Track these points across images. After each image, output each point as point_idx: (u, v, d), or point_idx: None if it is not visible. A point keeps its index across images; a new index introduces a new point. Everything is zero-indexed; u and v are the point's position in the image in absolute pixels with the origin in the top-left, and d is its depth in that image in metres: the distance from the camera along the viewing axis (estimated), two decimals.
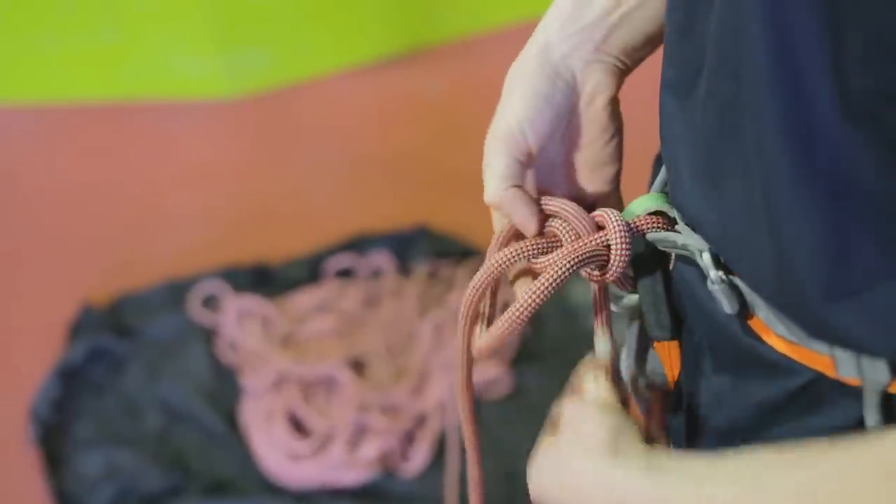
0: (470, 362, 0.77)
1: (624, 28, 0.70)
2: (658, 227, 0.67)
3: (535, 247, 0.68)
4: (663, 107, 0.65)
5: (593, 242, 0.67)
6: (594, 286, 0.72)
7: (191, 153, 2.64)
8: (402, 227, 2.27)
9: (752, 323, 0.61)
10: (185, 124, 2.70)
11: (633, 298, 0.74)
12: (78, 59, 2.73)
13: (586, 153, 0.73)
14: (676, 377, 0.71)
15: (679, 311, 0.69)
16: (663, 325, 0.70)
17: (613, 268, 0.67)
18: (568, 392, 0.70)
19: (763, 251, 0.55)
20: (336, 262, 2.22)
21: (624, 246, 0.66)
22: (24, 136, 2.73)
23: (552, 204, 0.69)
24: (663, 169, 0.70)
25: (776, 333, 0.60)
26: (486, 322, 0.71)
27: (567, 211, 0.68)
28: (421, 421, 1.93)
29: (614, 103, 0.72)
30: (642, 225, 0.67)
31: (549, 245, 0.68)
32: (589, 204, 0.72)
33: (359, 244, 2.25)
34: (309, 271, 2.22)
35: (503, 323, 0.69)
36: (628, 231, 0.67)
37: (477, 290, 0.70)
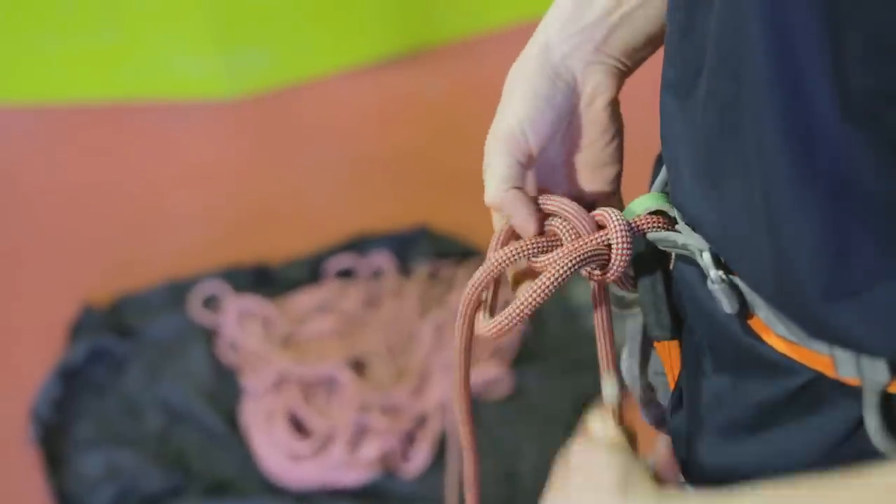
0: (468, 362, 0.77)
1: (624, 28, 0.70)
2: (658, 227, 0.67)
3: (535, 245, 0.68)
4: (664, 107, 0.65)
5: (594, 242, 0.67)
6: (594, 287, 0.72)
7: (191, 153, 2.64)
8: (403, 227, 2.27)
9: (752, 323, 0.61)
10: (185, 124, 2.70)
11: (633, 298, 0.74)
12: (78, 59, 2.73)
13: (587, 154, 0.73)
14: (676, 377, 0.71)
15: (679, 310, 0.69)
16: (663, 325, 0.70)
17: (615, 267, 0.67)
18: (576, 435, 0.70)
19: (763, 251, 0.55)
20: (336, 262, 2.22)
21: (625, 245, 0.66)
22: (24, 136, 2.73)
23: (552, 203, 0.69)
24: (664, 169, 0.70)
25: (776, 333, 0.60)
26: (488, 311, 0.71)
27: (567, 210, 0.68)
28: (421, 421, 1.93)
29: (615, 104, 0.72)
30: (643, 224, 0.67)
31: (550, 244, 0.68)
32: (589, 204, 0.72)
33: (359, 244, 2.25)
34: (309, 271, 2.22)
35: (502, 318, 0.69)
36: (629, 230, 0.67)
37: (476, 289, 0.70)
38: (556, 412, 1.92)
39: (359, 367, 2.03)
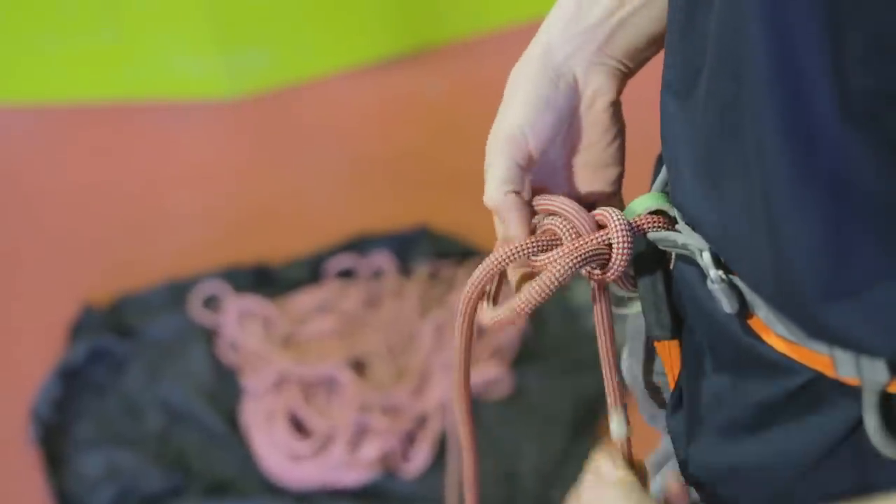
0: (468, 360, 0.77)
1: (626, 30, 0.70)
2: (659, 227, 0.67)
3: (535, 245, 0.68)
4: (664, 107, 0.64)
5: (595, 241, 0.67)
6: (594, 287, 0.72)
7: (191, 153, 2.64)
8: (403, 227, 2.27)
9: (752, 322, 0.61)
10: (185, 124, 2.70)
11: (633, 298, 0.74)
12: (78, 59, 2.73)
13: (588, 155, 0.73)
14: (676, 377, 0.71)
15: (679, 310, 0.69)
16: (664, 325, 0.70)
17: (615, 266, 0.67)
18: (586, 473, 0.70)
19: (762, 251, 0.55)
20: (337, 262, 2.22)
21: (626, 245, 0.66)
22: (24, 136, 2.73)
23: (553, 202, 0.69)
24: (664, 169, 0.70)
25: (776, 333, 0.60)
26: (491, 301, 0.71)
27: (567, 209, 0.68)
28: (422, 421, 1.93)
29: (616, 105, 0.72)
30: (643, 224, 0.67)
31: (550, 243, 0.68)
32: (590, 205, 0.72)
33: (359, 244, 2.25)
34: (310, 272, 2.22)
35: (503, 311, 0.69)
36: (630, 230, 0.67)
37: (475, 287, 0.70)
38: (557, 412, 1.92)
39: (359, 367, 2.03)
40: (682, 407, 0.70)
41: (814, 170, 0.50)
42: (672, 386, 0.72)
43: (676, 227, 0.66)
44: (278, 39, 2.77)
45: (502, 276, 0.72)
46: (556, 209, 0.69)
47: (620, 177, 0.74)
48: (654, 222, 0.67)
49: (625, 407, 0.73)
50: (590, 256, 0.67)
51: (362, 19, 2.83)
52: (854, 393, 0.57)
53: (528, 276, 0.70)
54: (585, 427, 1.90)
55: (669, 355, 0.71)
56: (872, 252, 0.51)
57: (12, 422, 1.98)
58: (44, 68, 2.75)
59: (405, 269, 2.21)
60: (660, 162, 0.73)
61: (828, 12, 0.47)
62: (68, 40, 2.70)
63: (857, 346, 0.54)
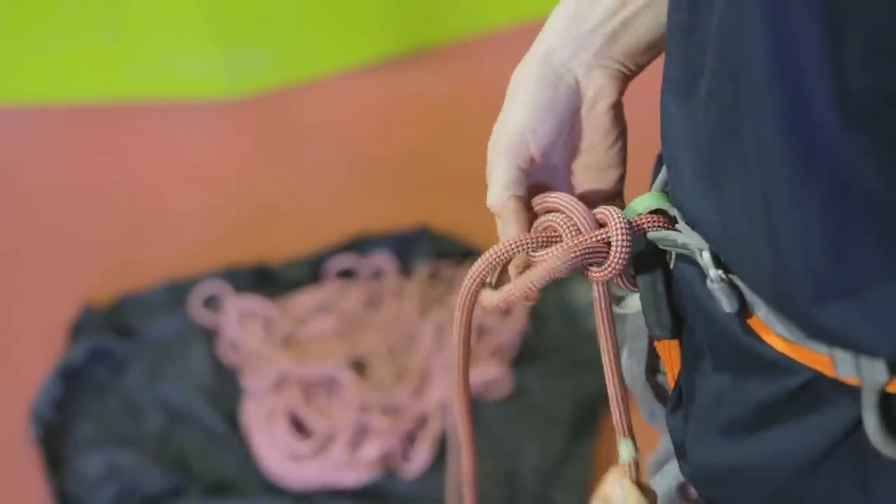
0: (467, 351, 0.77)
1: (627, 32, 0.70)
2: (659, 226, 0.67)
3: (534, 240, 0.68)
4: (665, 107, 0.64)
5: (594, 239, 0.67)
6: (595, 287, 0.72)
7: (191, 153, 2.64)
8: (404, 227, 2.27)
9: (752, 322, 0.61)
10: (185, 124, 2.70)
11: (634, 297, 0.74)
12: (78, 59, 2.73)
13: (589, 157, 0.73)
14: (676, 376, 0.71)
15: (679, 310, 0.69)
16: (664, 324, 0.70)
17: (612, 265, 0.67)
18: (595, 499, 0.71)
19: (762, 252, 0.55)
20: (337, 262, 2.22)
21: (624, 243, 0.66)
22: (24, 136, 2.73)
23: (554, 199, 0.70)
24: (664, 168, 0.70)
25: (775, 332, 0.60)
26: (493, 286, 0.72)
27: (568, 206, 0.69)
28: (422, 421, 1.93)
29: (617, 107, 0.72)
30: (643, 223, 0.68)
31: (550, 239, 0.68)
32: (591, 205, 0.72)
33: (360, 245, 2.25)
34: (310, 272, 2.22)
35: (496, 295, 0.69)
36: (629, 229, 0.67)
37: (474, 280, 0.70)
38: (557, 412, 1.92)
39: (359, 367, 2.03)
40: (681, 406, 0.70)
41: (813, 170, 0.50)
42: (672, 385, 0.72)
43: (676, 226, 0.67)
44: (278, 39, 2.77)
45: (504, 273, 0.72)
46: (558, 206, 0.69)
47: (622, 178, 0.75)
48: (655, 222, 0.68)
49: (632, 433, 0.74)
50: (588, 253, 0.67)
51: (362, 19, 2.83)
52: (854, 393, 0.57)
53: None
54: (585, 427, 1.90)
55: (669, 355, 0.71)
56: (872, 252, 0.51)
57: (12, 422, 1.98)
58: (44, 68, 2.75)
59: (405, 270, 2.21)
60: (660, 162, 0.73)
61: (827, 13, 0.47)
62: (68, 40, 2.70)
63: (857, 347, 0.54)
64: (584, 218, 0.68)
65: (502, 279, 0.72)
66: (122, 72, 2.75)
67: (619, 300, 0.75)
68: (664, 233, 0.67)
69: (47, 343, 2.12)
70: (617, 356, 0.74)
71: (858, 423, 0.57)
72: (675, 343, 0.70)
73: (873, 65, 0.47)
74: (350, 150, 2.58)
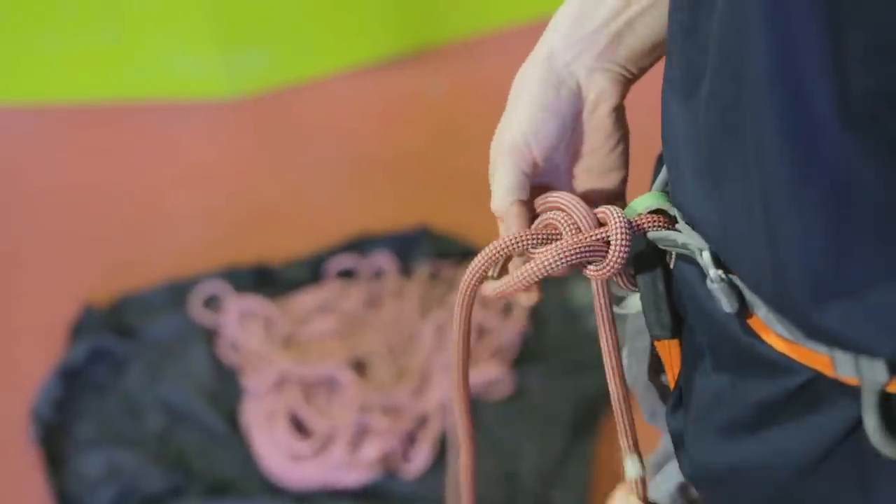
0: (467, 345, 0.78)
1: (628, 35, 0.70)
2: (659, 226, 0.68)
3: (534, 237, 0.69)
4: (665, 106, 0.64)
5: (593, 237, 0.67)
6: (596, 287, 0.72)
7: (191, 153, 2.64)
8: (404, 227, 2.27)
9: (752, 322, 0.62)
10: (185, 124, 2.70)
11: (634, 298, 0.74)
12: (78, 59, 2.73)
13: (591, 160, 0.73)
14: (676, 376, 0.71)
15: (679, 309, 0.69)
16: (664, 324, 0.70)
17: (611, 264, 0.67)
18: None
19: (762, 252, 0.55)
20: (337, 262, 2.22)
21: (624, 243, 0.67)
22: (24, 136, 2.73)
23: (555, 199, 0.70)
24: (664, 168, 0.70)
25: (775, 332, 0.60)
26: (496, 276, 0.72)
27: (569, 205, 0.69)
28: (422, 422, 1.93)
29: (619, 110, 0.72)
30: (643, 223, 0.68)
31: (549, 237, 0.69)
32: (593, 205, 0.72)
33: (360, 245, 2.25)
34: (310, 272, 2.22)
35: (494, 285, 0.70)
36: (629, 229, 0.67)
37: (474, 274, 0.70)
38: (557, 413, 1.92)
39: (360, 367, 2.03)
40: (682, 406, 0.70)
41: (813, 170, 0.50)
42: (672, 385, 0.72)
43: (676, 226, 0.67)
44: (278, 39, 2.77)
45: (504, 271, 0.73)
46: (559, 205, 0.69)
47: (624, 181, 0.75)
48: (655, 221, 0.68)
49: (639, 450, 0.74)
50: (587, 251, 0.67)
51: (362, 19, 2.83)
52: (853, 393, 0.57)
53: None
54: (586, 427, 1.90)
55: (669, 354, 0.71)
56: (871, 252, 0.51)
57: (12, 422, 1.98)
58: (44, 68, 2.75)
59: (406, 270, 2.21)
60: (660, 162, 0.73)
61: (828, 13, 0.47)
62: (68, 40, 2.70)
63: (856, 347, 0.54)
64: (585, 216, 0.68)
65: (502, 277, 0.73)
66: (122, 72, 2.75)
67: (619, 300, 0.76)
68: (664, 233, 0.67)
69: (47, 343, 2.12)
70: (618, 355, 0.74)
71: (858, 423, 0.57)
72: (675, 343, 0.71)
73: (874, 65, 0.47)
74: (350, 150, 2.58)
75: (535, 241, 0.69)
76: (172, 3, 2.66)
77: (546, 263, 0.67)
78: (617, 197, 0.75)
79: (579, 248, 0.67)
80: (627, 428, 0.74)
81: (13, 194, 2.54)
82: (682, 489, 0.77)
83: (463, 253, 2.20)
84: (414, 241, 2.25)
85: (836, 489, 0.61)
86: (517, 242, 0.68)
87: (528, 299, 0.73)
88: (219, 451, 1.92)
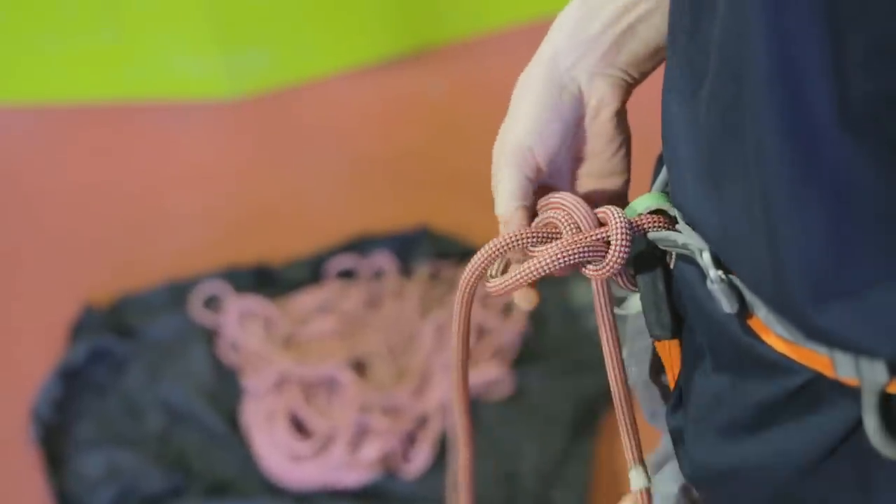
0: (466, 351, 0.78)
1: (631, 39, 0.70)
2: (659, 226, 0.68)
3: (534, 235, 0.69)
4: (666, 107, 0.64)
5: (594, 237, 0.67)
6: (596, 287, 0.72)
7: (191, 153, 2.64)
8: (404, 227, 2.27)
9: (752, 322, 0.61)
10: (185, 125, 2.70)
11: (634, 299, 0.74)
12: (78, 59, 2.73)
13: (593, 164, 0.73)
14: (677, 377, 0.71)
15: (679, 310, 0.69)
16: (664, 325, 0.70)
17: (610, 264, 0.67)
18: None
19: (762, 253, 0.55)
20: (337, 262, 2.22)
21: (624, 243, 0.67)
22: (24, 136, 2.73)
23: (557, 199, 0.70)
24: (664, 168, 0.70)
25: (775, 333, 0.60)
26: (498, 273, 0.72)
27: (570, 204, 0.69)
28: (422, 422, 1.93)
29: (621, 115, 0.72)
30: (644, 223, 0.68)
31: (549, 235, 0.69)
32: (594, 206, 0.72)
33: (360, 245, 2.25)
34: (310, 272, 2.22)
35: (494, 280, 0.70)
36: (630, 229, 0.67)
37: (473, 272, 0.70)
38: (557, 413, 1.92)
39: (360, 367, 2.03)
40: (682, 406, 0.70)
41: (813, 170, 0.50)
42: (672, 385, 0.72)
43: (676, 226, 0.67)
44: (278, 39, 2.77)
45: (505, 271, 0.73)
46: (560, 205, 0.69)
47: (626, 184, 0.75)
48: (655, 222, 0.68)
49: (644, 464, 0.74)
50: (587, 251, 0.67)
51: (362, 19, 2.83)
52: (853, 393, 0.57)
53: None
54: (586, 427, 1.90)
55: (669, 355, 0.71)
56: (871, 253, 0.51)
57: (12, 422, 1.98)
58: (44, 68, 2.75)
59: (406, 270, 2.21)
60: (660, 162, 0.73)
61: (828, 16, 0.47)
62: (68, 40, 2.70)
63: (856, 348, 0.54)
64: (585, 216, 0.68)
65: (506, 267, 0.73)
66: (122, 72, 2.75)
67: (619, 302, 0.76)
68: (664, 233, 0.67)
69: (47, 343, 2.12)
70: (621, 358, 0.74)
71: (858, 423, 0.57)
72: (675, 343, 0.71)
73: (874, 68, 0.47)
74: (350, 150, 2.58)
75: (534, 240, 0.69)
76: (172, 3, 2.66)
77: (546, 262, 0.67)
78: (619, 199, 0.75)
79: (579, 247, 0.67)
80: (631, 436, 0.74)
81: (13, 194, 2.54)
82: (685, 490, 0.77)
83: (463, 253, 2.20)
84: (414, 241, 2.25)
85: (837, 489, 0.61)
86: (517, 240, 0.68)
87: (527, 303, 0.73)
88: (219, 452, 1.92)
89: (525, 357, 2.03)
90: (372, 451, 1.87)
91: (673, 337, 0.70)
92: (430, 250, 2.22)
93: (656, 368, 0.77)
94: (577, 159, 0.74)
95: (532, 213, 0.72)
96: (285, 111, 2.71)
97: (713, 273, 0.61)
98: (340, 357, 2.02)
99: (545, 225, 0.70)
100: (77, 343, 2.08)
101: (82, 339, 2.09)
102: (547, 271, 0.67)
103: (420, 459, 1.88)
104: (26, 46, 2.71)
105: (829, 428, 0.59)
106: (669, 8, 0.63)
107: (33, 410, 1.97)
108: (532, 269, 0.67)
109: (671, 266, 0.69)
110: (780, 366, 0.60)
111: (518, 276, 0.68)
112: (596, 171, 0.74)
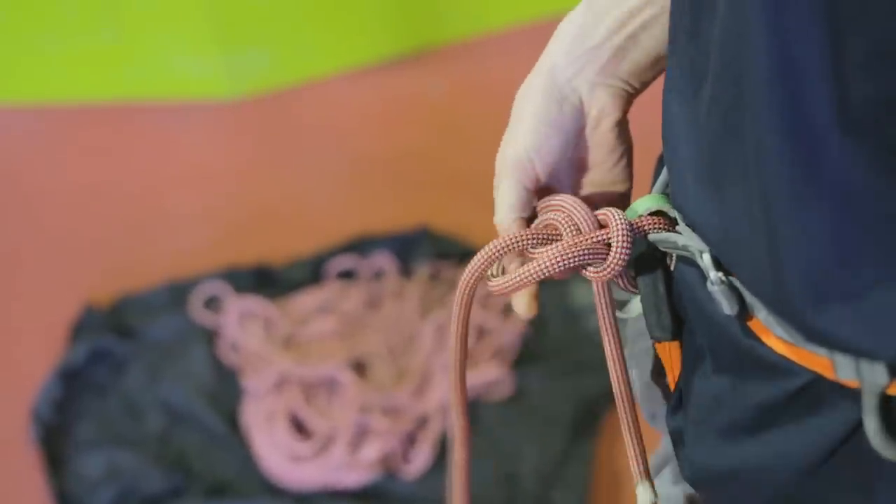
0: (464, 353, 0.78)
1: (632, 49, 0.70)
2: (659, 228, 0.67)
3: (534, 236, 0.68)
4: (666, 108, 0.64)
5: (594, 239, 0.67)
6: (597, 288, 0.72)
7: (191, 154, 2.64)
8: (404, 228, 2.27)
9: (752, 324, 0.61)
10: (185, 125, 2.70)
11: (634, 301, 0.74)
12: (78, 59, 2.73)
13: (595, 174, 0.73)
14: (677, 378, 0.71)
15: (680, 311, 0.69)
16: (664, 326, 0.70)
17: (611, 266, 0.67)
18: None
19: (762, 255, 0.55)
20: (337, 263, 2.22)
21: (625, 245, 0.66)
22: (24, 136, 2.73)
23: (558, 201, 0.70)
24: (664, 170, 0.70)
25: (775, 335, 0.60)
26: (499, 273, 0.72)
27: (570, 206, 0.69)
28: (422, 422, 1.93)
29: (622, 125, 0.72)
30: (644, 225, 0.68)
31: (549, 237, 0.68)
32: (594, 208, 0.72)
33: (360, 245, 2.25)
34: (310, 272, 2.22)
35: (495, 280, 0.70)
36: (630, 230, 0.67)
37: (473, 274, 0.70)
38: (557, 414, 1.92)
39: (360, 368, 2.03)
40: (682, 408, 0.70)
41: (813, 172, 0.50)
42: (672, 387, 0.72)
43: (677, 228, 0.67)
44: (278, 39, 2.77)
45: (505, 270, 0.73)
46: (561, 207, 0.69)
47: (628, 193, 0.75)
48: (655, 223, 0.68)
49: (650, 479, 0.74)
50: (588, 253, 0.67)
51: (362, 19, 2.83)
52: (854, 395, 0.57)
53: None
54: (586, 428, 1.90)
55: (670, 356, 0.71)
56: (872, 255, 0.51)
57: (13, 422, 1.98)
58: (44, 68, 2.75)
59: (406, 270, 2.21)
60: (660, 163, 0.73)
61: (829, 18, 0.47)
62: (68, 40, 2.70)
63: (856, 350, 0.54)
64: (586, 218, 0.68)
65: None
66: (122, 72, 2.75)
67: (620, 305, 0.75)
68: (665, 235, 0.67)
69: (47, 343, 2.12)
70: (623, 362, 0.74)
71: (859, 425, 0.57)
72: (675, 345, 0.71)
73: (874, 70, 0.47)
74: (350, 151, 2.58)
75: (534, 241, 0.68)
76: (172, 3, 2.66)
77: (546, 264, 0.67)
78: (620, 204, 0.75)
79: (580, 249, 0.67)
80: (636, 444, 0.74)
81: (13, 194, 2.54)
82: (690, 500, 0.78)
83: (463, 253, 2.20)
84: (414, 241, 2.25)
85: (837, 491, 0.61)
86: (517, 242, 0.68)
87: (527, 312, 0.73)
88: (219, 452, 1.92)
89: (525, 358, 2.03)
90: (372, 451, 1.87)
91: (673, 339, 0.70)
92: (430, 251, 2.22)
93: (658, 370, 0.77)
94: (578, 169, 0.74)
95: (531, 222, 0.72)
96: (285, 111, 2.71)
97: (713, 275, 0.61)
98: (340, 357, 2.02)
99: (545, 226, 0.69)
100: (77, 343, 2.08)
101: (82, 339, 2.09)
102: (547, 274, 0.67)
103: (420, 460, 1.88)
104: (26, 46, 2.72)
105: (829, 430, 0.59)
106: (670, 9, 0.63)
107: (33, 411, 1.97)
108: (533, 271, 0.67)
109: (672, 268, 0.69)
110: (780, 367, 0.60)
111: (519, 277, 0.68)
112: (597, 181, 0.74)
